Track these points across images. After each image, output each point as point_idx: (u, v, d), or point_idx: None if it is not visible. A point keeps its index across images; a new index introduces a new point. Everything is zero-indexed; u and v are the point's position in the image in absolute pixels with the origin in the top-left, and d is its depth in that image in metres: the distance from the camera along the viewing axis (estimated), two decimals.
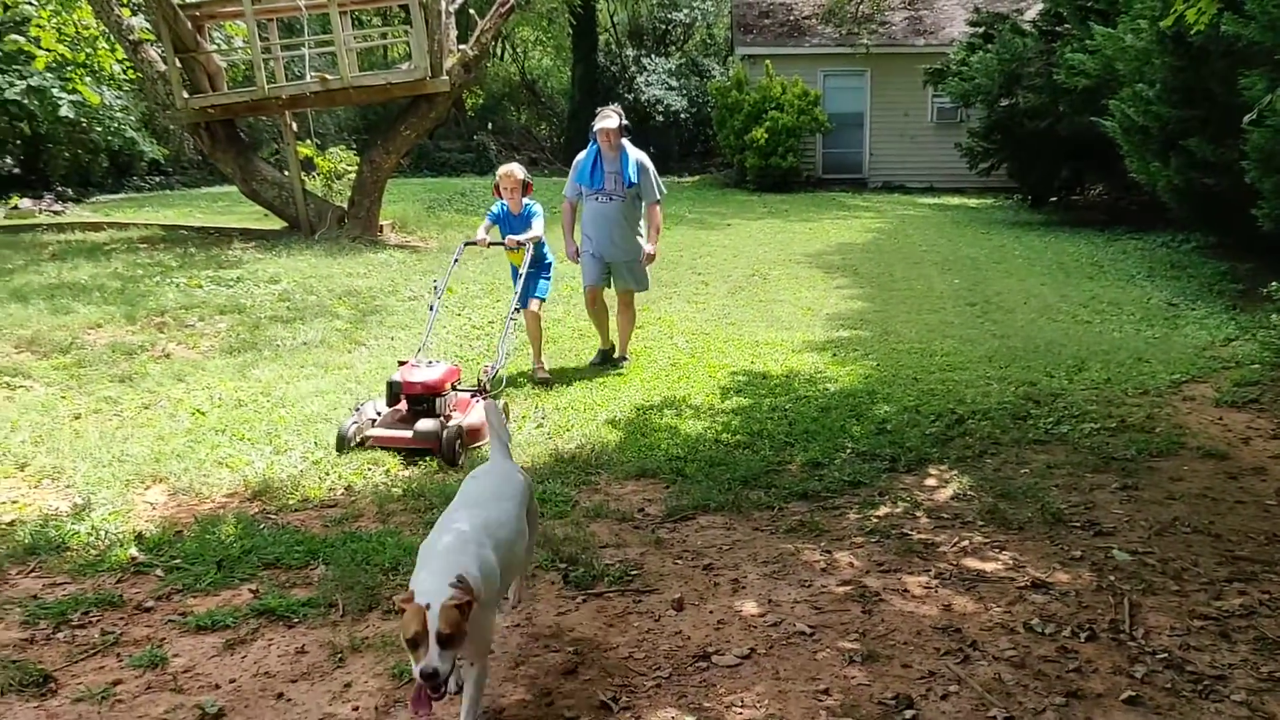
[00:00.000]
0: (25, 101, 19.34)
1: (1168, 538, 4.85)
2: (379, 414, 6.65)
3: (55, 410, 7.24)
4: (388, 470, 6.10)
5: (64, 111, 19.51)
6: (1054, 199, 20.78)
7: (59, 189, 21.29)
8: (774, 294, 11.96)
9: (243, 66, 18.69)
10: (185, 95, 14.69)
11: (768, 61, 24.61)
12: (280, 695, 3.66)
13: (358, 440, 6.44)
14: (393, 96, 15.84)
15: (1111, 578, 4.39)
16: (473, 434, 6.51)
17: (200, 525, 5.23)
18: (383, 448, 6.36)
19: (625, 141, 8.39)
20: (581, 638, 4.01)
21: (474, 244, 8.14)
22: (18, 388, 7.73)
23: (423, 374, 6.58)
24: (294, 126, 16.50)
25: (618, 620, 4.15)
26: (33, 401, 7.42)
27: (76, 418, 7.12)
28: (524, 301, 8.22)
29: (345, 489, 5.85)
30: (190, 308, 10.35)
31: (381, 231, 15.96)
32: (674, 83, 31.00)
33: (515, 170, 8.21)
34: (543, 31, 35.43)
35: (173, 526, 5.19)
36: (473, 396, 6.86)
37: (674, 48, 35.14)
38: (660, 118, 30.22)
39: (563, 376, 8.35)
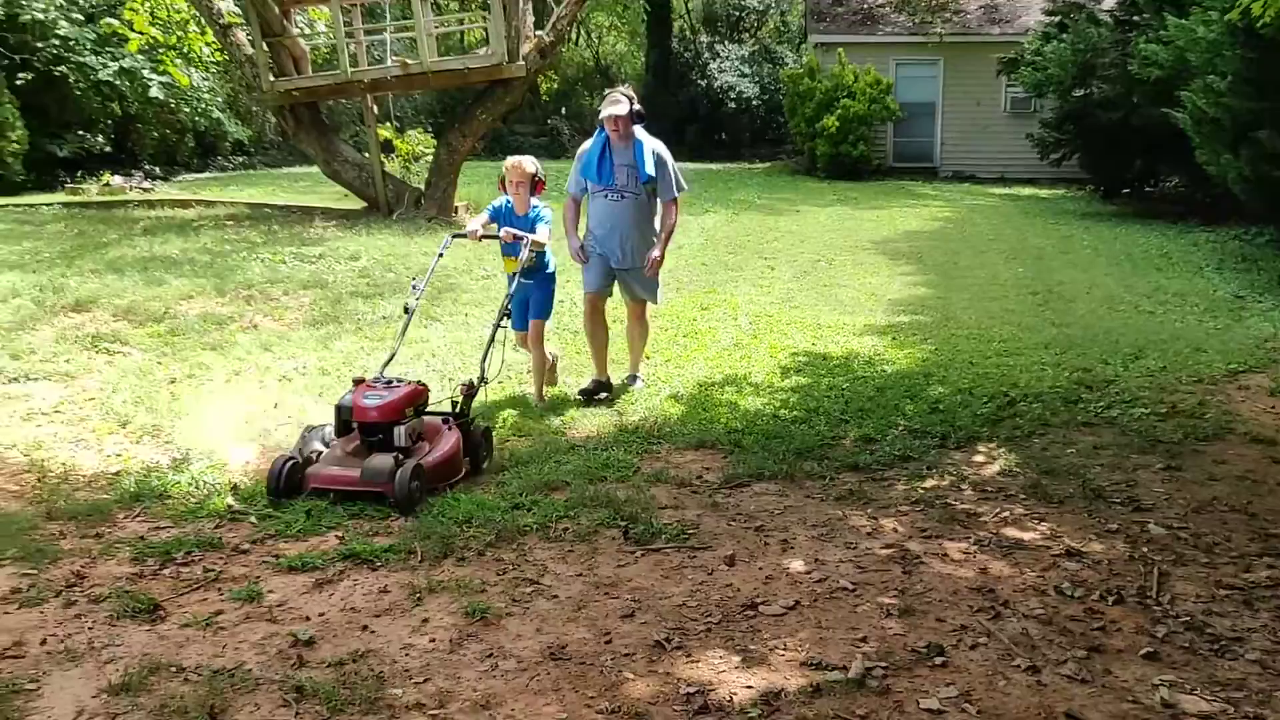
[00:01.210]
0: (117, 82, 20.07)
1: (1204, 515, 5.05)
2: (327, 445, 5.55)
3: (152, 374, 7.72)
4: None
5: (154, 92, 20.21)
6: (1126, 191, 20.66)
7: (147, 167, 22.06)
8: (838, 279, 12.18)
9: (326, 51, 19.25)
10: (271, 78, 15.22)
11: (840, 50, 24.68)
12: (365, 627, 4.03)
13: (299, 480, 5.32)
14: (470, 81, 16.24)
15: (1144, 549, 4.61)
16: (440, 470, 5.42)
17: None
18: (324, 492, 5.28)
19: (639, 129, 7.22)
20: (639, 587, 4.34)
21: (462, 236, 7.12)
22: (116, 353, 8.23)
23: (378, 397, 5.43)
24: (374, 109, 17.00)
25: (673, 573, 4.47)
26: (131, 366, 7.91)
27: (172, 382, 7.58)
28: (520, 322, 7.30)
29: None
30: (275, 282, 10.83)
31: (456, 212, 16.39)
32: (746, 70, 31.14)
33: (525, 162, 7.09)
34: (618, 17, 35.82)
35: (264, 479, 5.60)
36: (445, 422, 5.72)
37: (747, 35, 35.24)
38: (732, 104, 30.41)
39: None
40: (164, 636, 3.94)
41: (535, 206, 7.14)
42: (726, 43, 32.70)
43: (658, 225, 7.40)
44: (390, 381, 5.60)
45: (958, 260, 13.53)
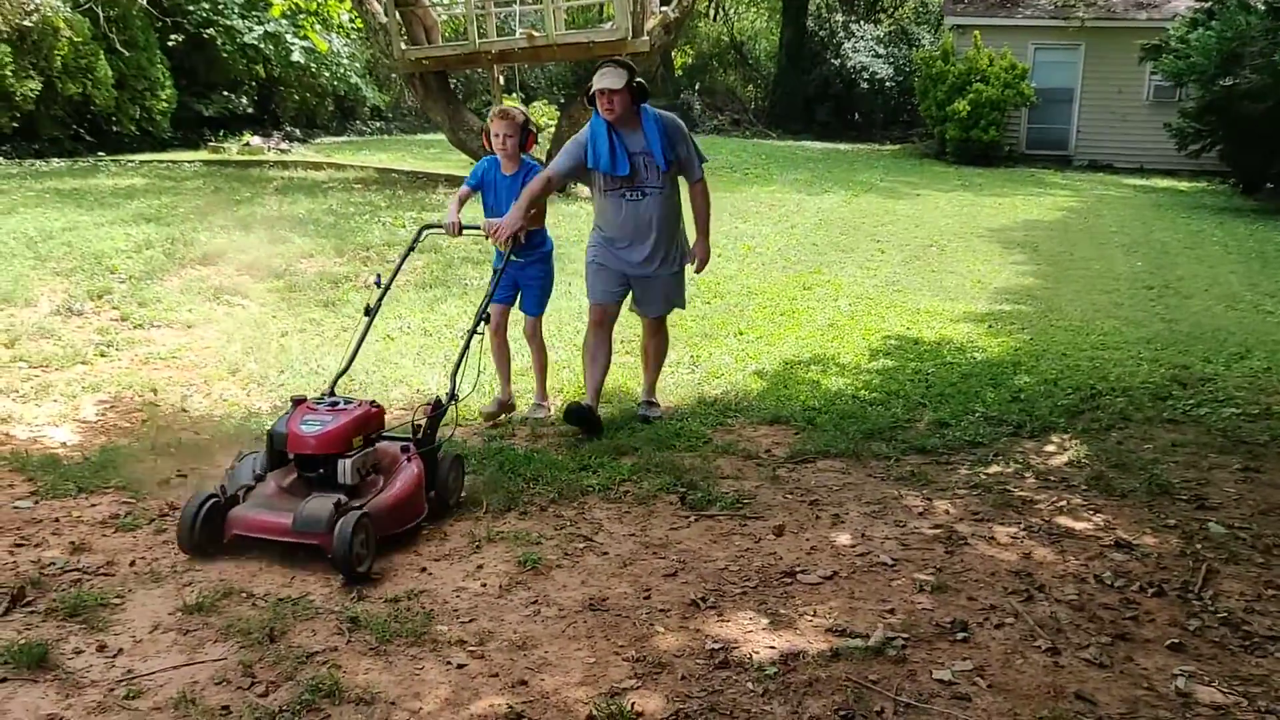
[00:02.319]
0: (261, 46, 20.91)
1: (1272, 518, 4.98)
2: (258, 478, 4.51)
3: (266, 327, 8.18)
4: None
5: (295, 57, 21.01)
6: (1270, 186, 19.86)
7: (287, 129, 22.93)
8: (947, 265, 12.09)
9: (456, 21, 19.69)
10: (403, 46, 15.68)
11: (976, 32, 24.20)
12: (424, 570, 4.31)
13: (222, 523, 4.32)
14: (594, 55, 16.43)
15: (1199, 546, 4.59)
16: (397, 513, 4.46)
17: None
18: (249, 538, 4.32)
19: (652, 109, 5.97)
20: (687, 550, 4.51)
21: (435, 229, 5.95)
22: (235, 305, 8.73)
23: (318, 423, 4.44)
24: (501, 80, 17.38)
25: (721, 538, 4.64)
26: (247, 318, 8.38)
27: (284, 335, 8.02)
28: (504, 294, 6.20)
29: (505, 415, 6.50)
30: (392, 245, 11.25)
31: (575, 184, 16.67)
32: (881, 50, 30.76)
33: (514, 111, 6.04)
34: None
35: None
36: (404, 450, 4.67)
37: (884, 15, 34.75)
38: (865, 85, 30.08)
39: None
40: (240, 566, 4.27)
41: (529, 164, 6.10)
42: (862, 22, 32.31)
43: (677, 217, 6.21)
44: (337, 402, 4.62)
45: (1074, 251, 13.27)
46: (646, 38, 15.39)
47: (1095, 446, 5.89)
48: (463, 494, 5.00)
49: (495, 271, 5.77)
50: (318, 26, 19.31)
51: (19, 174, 15.37)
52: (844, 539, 4.62)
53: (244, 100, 21.78)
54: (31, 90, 17.02)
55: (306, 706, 3.26)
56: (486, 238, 5.89)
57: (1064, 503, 5.05)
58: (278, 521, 4.24)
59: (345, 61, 23.33)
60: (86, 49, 17.85)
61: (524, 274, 6.21)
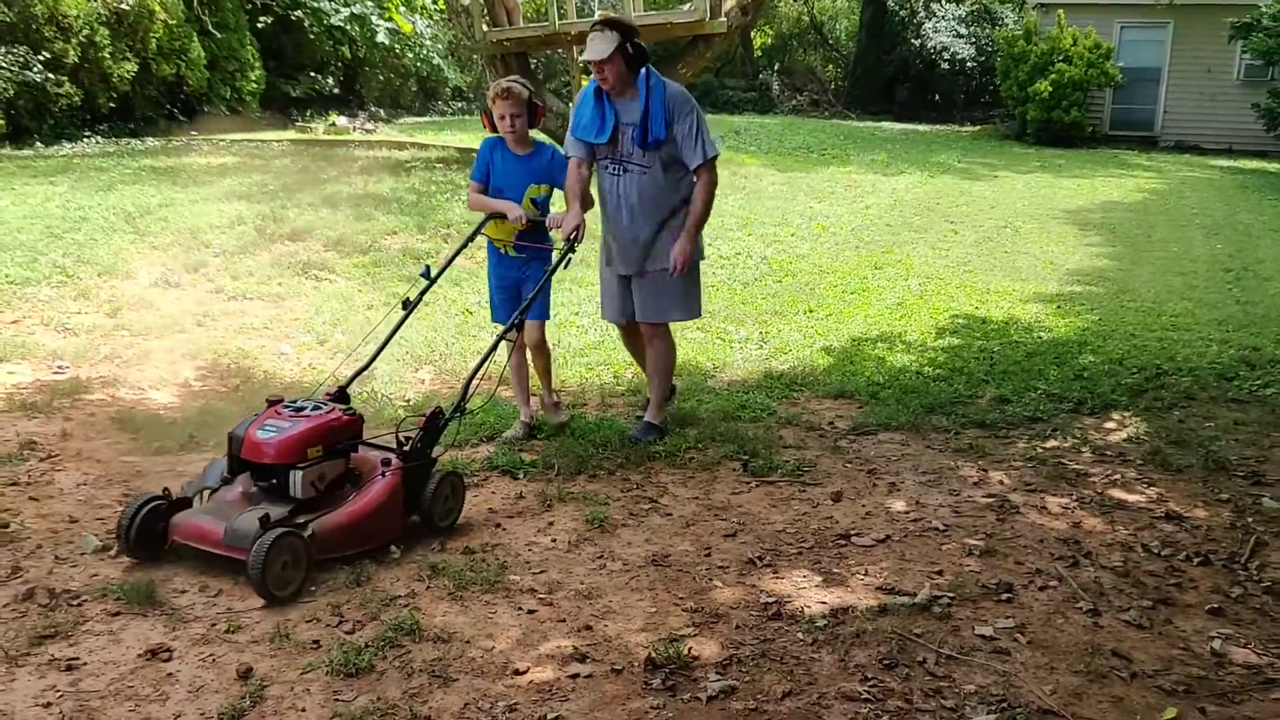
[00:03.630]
0: (347, 27, 21.43)
1: None
2: (224, 481, 4.28)
3: (352, 300, 8.53)
4: (614, 372, 6.98)
5: (380, 38, 21.49)
6: None
7: (372, 109, 23.46)
8: (1020, 246, 12.09)
9: (537, 3, 19.98)
10: (485, 28, 15.99)
11: (1060, 11, 23.90)
12: (498, 525, 4.59)
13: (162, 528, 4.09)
14: (672, 35, 16.63)
15: (1250, 519, 4.69)
16: (346, 534, 4.11)
17: (455, 398, 6.27)
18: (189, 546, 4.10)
19: (658, 76, 5.30)
20: (747, 513, 4.73)
21: (496, 219, 5.45)
22: (323, 279, 9.09)
23: (276, 429, 4.16)
24: (580, 61, 17.61)
25: (780, 503, 4.85)
26: (334, 291, 8.73)
27: (369, 308, 8.36)
28: (503, 313, 5.71)
29: (579, 383, 6.77)
30: (472, 223, 11.54)
31: None
32: (963, 30, 30.47)
33: (516, 87, 5.32)
34: None
35: (434, 398, 6.23)
36: (384, 463, 4.32)
37: None
38: (946, 65, 29.84)
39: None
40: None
41: (542, 145, 5.60)
42: (944, 2, 32.00)
43: (681, 208, 5.40)
44: (304, 407, 4.33)
45: (1151, 233, 13.18)
46: (724, 19, 15.50)
47: (1155, 424, 5.98)
48: (459, 517, 4.57)
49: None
50: (402, 8, 19.73)
51: (116, 152, 15.99)
52: (899, 505, 4.81)
53: (330, 81, 22.33)
54: (128, 71, 17.65)
55: (389, 643, 3.55)
56: (549, 230, 5.53)
57: (1118, 476, 5.17)
58: (213, 531, 4.00)
59: (428, 43, 23.77)
60: (180, 31, 18.47)
61: (525, 273, 5.62)
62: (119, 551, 4.13)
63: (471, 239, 5.55)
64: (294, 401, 4.39)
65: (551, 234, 5.55)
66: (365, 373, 5.18)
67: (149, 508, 4.06)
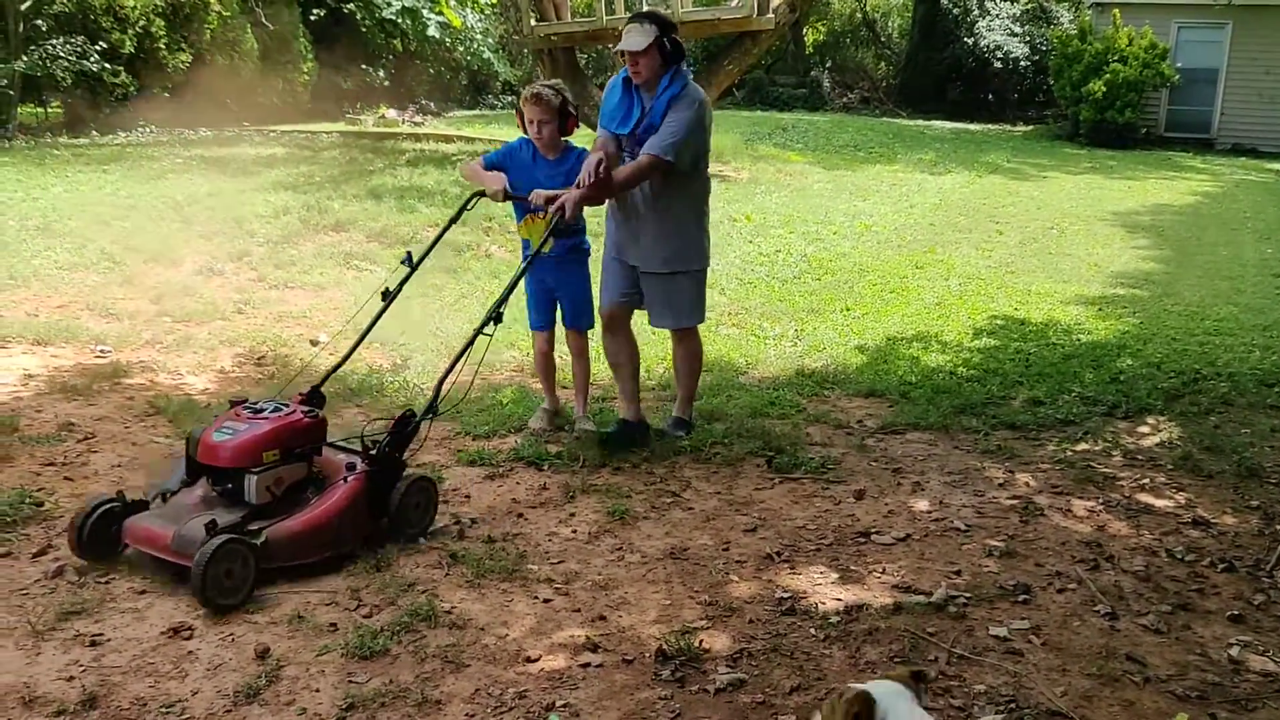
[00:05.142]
0: (399, 21, 21.58)
1: None
2: (185, 484, 4.14)
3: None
4: (646, 367, 7.00)
5: (431, 31, 21.61)
6: None
7: (421, 102, 23.63)
8: (1065, 248, 11.96)
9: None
10: (533, 22, 16.07)
11: (1116, 11, 23.57)
12: (520, 515, 4.64)
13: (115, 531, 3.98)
14: (719, 31, 16.62)
15: (1278, 526, 4.63)
16: (300, 542, 3.95)
17: (487, 390, 6.34)
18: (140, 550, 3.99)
19: (684, 77, 5.11)
20: (768, 509, 4.74)
21: (484, 196, 5.31)
22: (364, 270, 9.20)
23: (230, 431, 4.04)
24: (615, 51, 17.62)
25: (803, 500, 4.85)
26: (374, 282, 8.78)
27: (407, 299, 8.42)
28: (541, 319, 5.65)
29: (609, 376, 6.79)
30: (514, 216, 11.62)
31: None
32: (1017, 29, 30.11)
33: (547, 93, 5.24)
34: None
35: (465, 387, 6.28)
36: (349, 468, 4.18)
37: None
38: (999, 64, 29.53)
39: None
40: None
41: (575, 149, 5.38)
42: (999, 0, 31.66)
43: (686, 209, 5.30)
44: (264, 408, 4.20)
45: (1201, 237, 12.98)
46: (772, 15, 15.46)
47: (1190, 429, 5.91)
48: (431, 526, 4.39)
49: (526, 260, 5.20)
50: (452, 2, 19.84)
51: (168, 141, 16.26)
52: (922, 505, 4.79)
53: (380, 74, 22.53)
54: (182, 62, 17.92)
55: (405, 628, 3.61)
56: (533, 210, 5.29)
57: (1147, 480, 5.12)
58: (162, 535, 3.86)
59: (478, 37, 23.90)
60: (234, 23, 18.73)
61: (559, 277, 5.48)
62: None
63: (454, 220, 5.31)
64: (255, 403, 4.25)
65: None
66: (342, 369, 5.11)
67: (102, 510, 3.96)
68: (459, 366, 4.57)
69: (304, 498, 4.11)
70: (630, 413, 5.55)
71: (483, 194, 5.26)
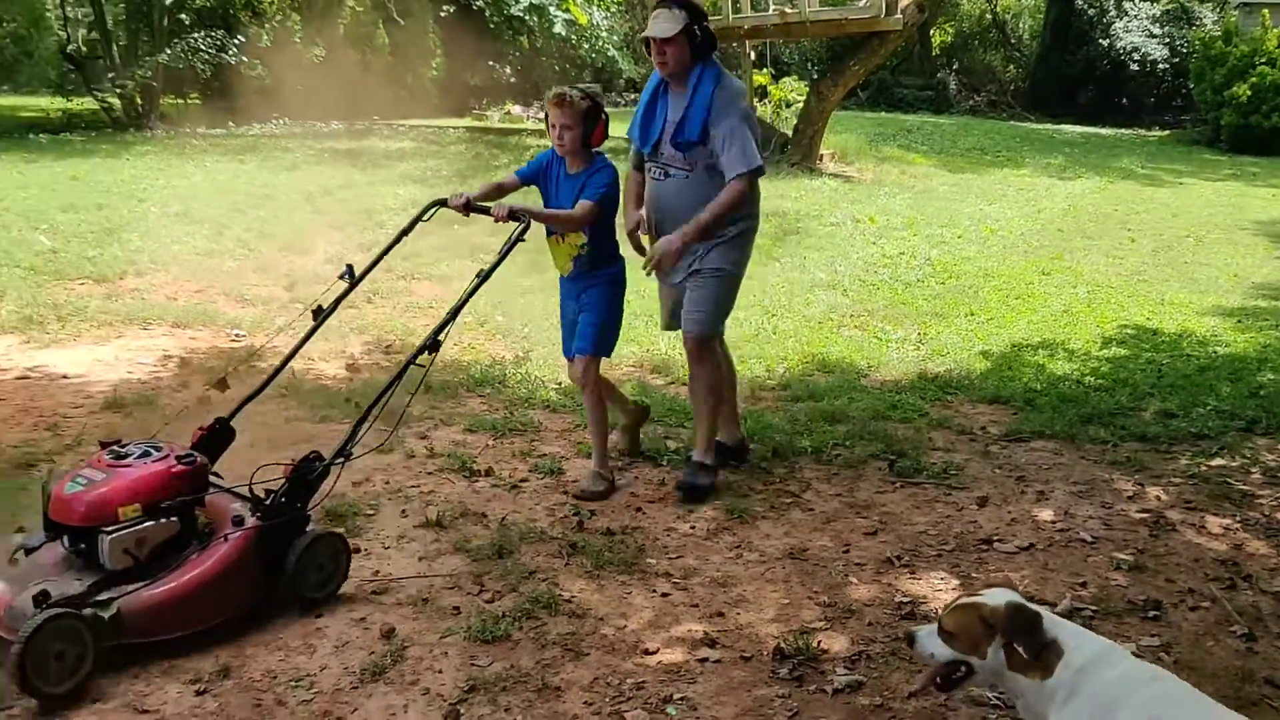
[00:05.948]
0: (526, 18, 21.88)
1: None
2: (46, 541, 3.46)
3: (513, 284, 8.72)
4: (767, 366, 6.99)
5: (557, 29, 21.87)
6: None
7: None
8: (1202, 257, 11.55)
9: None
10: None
11: (1265, 11, 22.68)
12: (639, 510, 4.69)
13: None
14: (846, 32, 16.47)
15: None
16: (164, 614, 3.33)
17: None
18: None
19: (717, 69, 4.70)
20: (889, 512, 4.70)
21: (442, 206, 4.77)
22: (488, 263, 9.32)
23: (85, 483, 3.40)
24: (751, 55, 17.61)
25: (924, 505, 4.79)
26: (497, 275, 8.91)
27: (527, 292, 8.56)
28: (570, 347, 4.99)
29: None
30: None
31: (820, 160, 16.74)
32: (1156, 30, 29.18)
33: (571, 95, 4.63)
34: None
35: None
36: (235, 522, 3.52)
37: None
38: (1135, 67, 28.65)
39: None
40: (477, 491, 4.77)
41: (600, 161, 4.77)
42: (1138, 0, 30.72)
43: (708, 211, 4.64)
44: (131, 453, 3.53)
45: None
46: (900, 15, 15.27)
47: None
48: (338, 590, 3.77)
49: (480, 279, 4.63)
50: (579, 0, 20.08)
51: (301, 134, 16.76)
52: (1046, 514, 4.69)
53: (507, 70, 22.85)
54: (317, 56, 18.44)
55: (526, 614, 3.67)
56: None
57: None
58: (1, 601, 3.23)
59: (604, 34, 24.07)
60: (366, 18, 19.19)
61: (584, 301, 4.91)
62: None
63: (406, 232, 4.74)
64: (123, 446, 3.57)
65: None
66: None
67: None
68: (383, 402, 3.92)
69: (183, 558, 3.46)
70: (723, 429, 5.15)
71: (444, 203, 4.73)
